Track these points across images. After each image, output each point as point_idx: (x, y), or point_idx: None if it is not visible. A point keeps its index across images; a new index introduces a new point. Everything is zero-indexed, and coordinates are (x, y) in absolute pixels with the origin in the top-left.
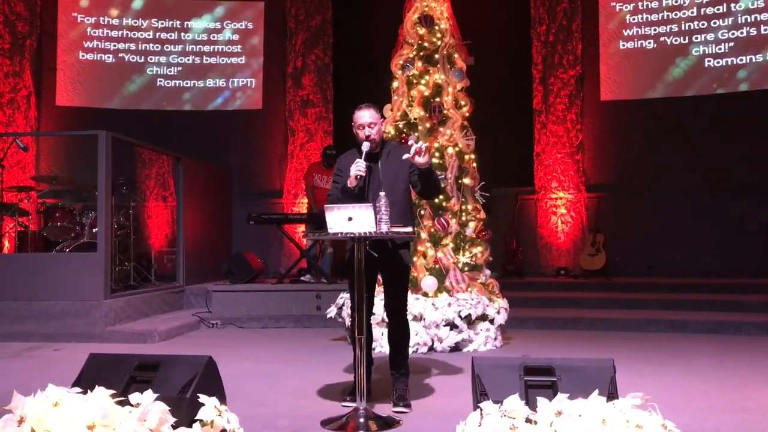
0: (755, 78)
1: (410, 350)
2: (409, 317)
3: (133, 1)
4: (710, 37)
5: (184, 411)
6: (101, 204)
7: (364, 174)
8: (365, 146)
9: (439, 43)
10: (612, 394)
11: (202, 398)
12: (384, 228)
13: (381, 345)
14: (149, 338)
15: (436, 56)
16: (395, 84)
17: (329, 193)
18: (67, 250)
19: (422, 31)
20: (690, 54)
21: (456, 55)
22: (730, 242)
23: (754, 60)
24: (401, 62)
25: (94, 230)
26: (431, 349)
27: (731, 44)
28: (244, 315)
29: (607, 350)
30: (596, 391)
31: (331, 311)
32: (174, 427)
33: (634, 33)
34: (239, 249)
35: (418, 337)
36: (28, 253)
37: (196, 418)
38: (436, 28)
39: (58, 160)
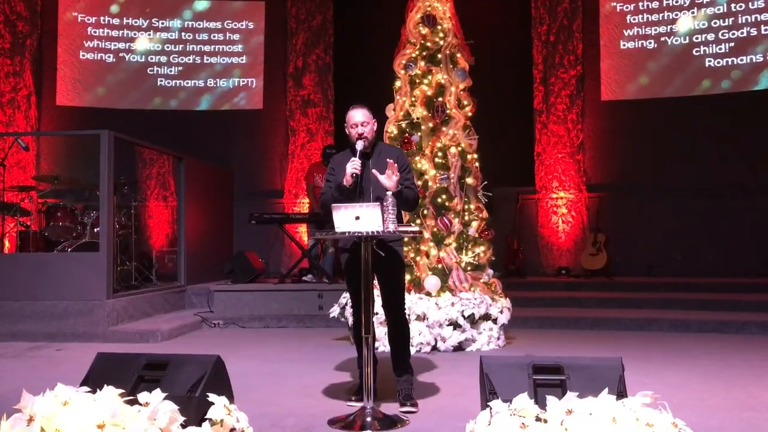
0: (756, 78)
1: (414, 350)
2: (413, 317)
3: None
4: (710, 37)
5: (193, 410)
6: (103, 203)
7: (359, 172)
8: (359, 145)
9: (441, 42)
10: (621, 393)
11: (212, 397)
12: (391, 227)
13: (384, 344)
14: (152, 338)
15: (439, 56)
16: (398, 84)
17: (322, 191)
18: (69, 249)
19: (425, 30)
20: (690, 54)
21: (459, 55)
22: (732, 241)
23: (754, 60)
24: (404, 62)
25: (95, 230)
26: (434, 348)
27: (731, 44)
28: (246, 315)
29: (610, 349)
30: (606, 390)
31: (334, 311)
32: (183, 426)
33: (635, 33)
34: (240, 249)
35: (421, 336)
36: (30, 252)
37: (205, 417)
38: (439, 27)
39: (58, 160)
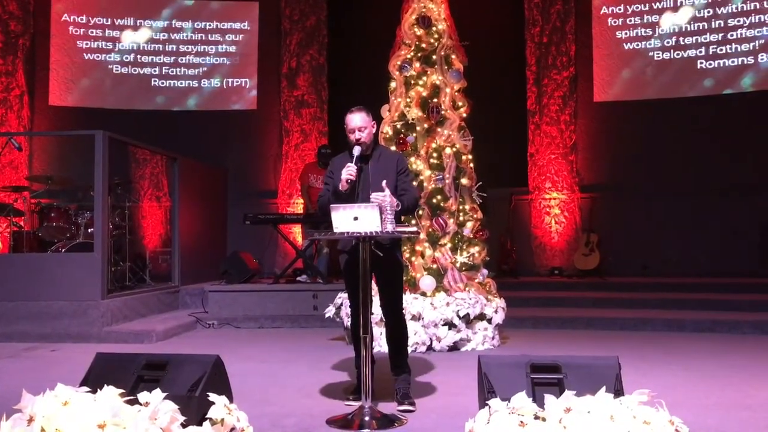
0: (746, 78)
1: (409, 349)
2: (408, 317)
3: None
4: (703, 38)
5: (194, 410)
6: (98, 204)
7: (354, 179)
8: (356, 150)
9: (436, 44)
10: (618, 391)
11: (212, 397)
12: (389, 227)
13: (380, 344)
14: (147, 338)
15: (434, 57)
16: (393, 85)
17: (320, 194)
18: (63, 250)
19: (420, 32)
20: (682, 55)
21: (453, 56)
22: (724, 242)
23: (745, 61)
24: (399, 63)
25: (89, 230)
26: (430, 348)
27: (722, 46)
28: (241, 315)
29: (605, 349)
30: (603, 388)
31: (330, 311)
32: (183, 425)
33: (627, 35)
34: (235, 249)
35: (416, 336)
36: (24, 253)
37: (206, 416)
38: (434, 29)
39: (51, 160)
